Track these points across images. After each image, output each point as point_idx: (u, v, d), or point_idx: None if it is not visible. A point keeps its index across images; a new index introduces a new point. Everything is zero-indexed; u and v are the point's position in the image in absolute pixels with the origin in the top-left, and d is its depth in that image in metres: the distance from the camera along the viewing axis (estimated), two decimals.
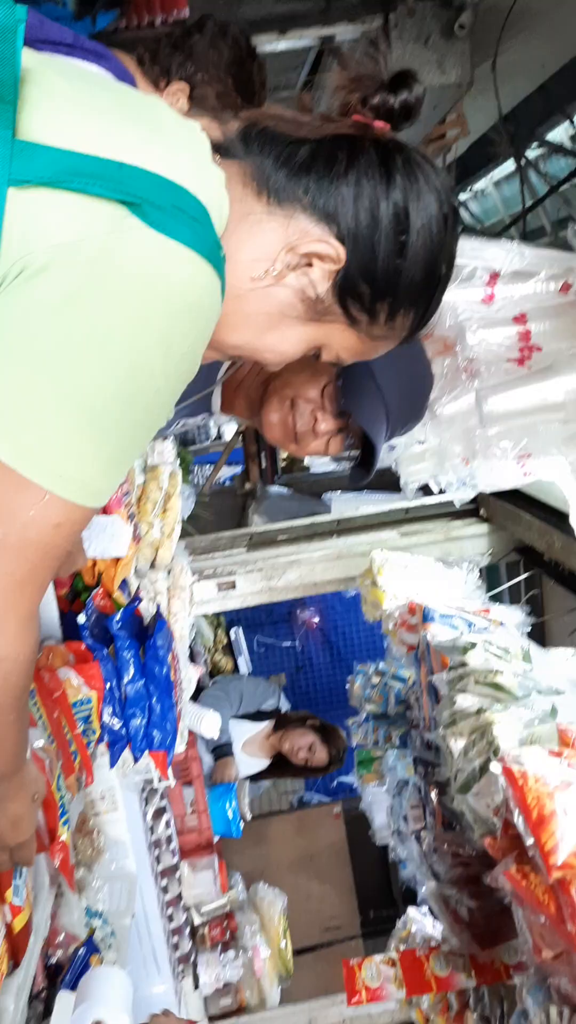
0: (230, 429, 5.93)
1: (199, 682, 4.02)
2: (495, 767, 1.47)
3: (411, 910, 2.99)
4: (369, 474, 1.41)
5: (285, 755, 3.77)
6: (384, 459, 2.65)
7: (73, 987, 1.52)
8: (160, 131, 0.80)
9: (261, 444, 4.34)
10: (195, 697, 3.75)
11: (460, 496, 2.24)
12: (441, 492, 2.33)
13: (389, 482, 3.60)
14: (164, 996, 2.95)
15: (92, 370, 0.74)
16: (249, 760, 3.86)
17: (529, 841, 1.34)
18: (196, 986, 3.42)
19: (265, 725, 3.89)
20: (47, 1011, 1.44)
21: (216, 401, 1.43)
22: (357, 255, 0.86)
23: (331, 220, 0.85)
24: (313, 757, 3.67)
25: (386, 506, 3.22)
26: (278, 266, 0.87)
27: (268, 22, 2.44)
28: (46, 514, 0.76)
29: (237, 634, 6.03)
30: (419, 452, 2.22)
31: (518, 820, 1.35)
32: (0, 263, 0.71)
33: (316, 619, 6.15)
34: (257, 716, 3.97)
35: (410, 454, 2.25)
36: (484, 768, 1.64)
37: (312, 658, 6.28)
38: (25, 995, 1.35)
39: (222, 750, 3.79)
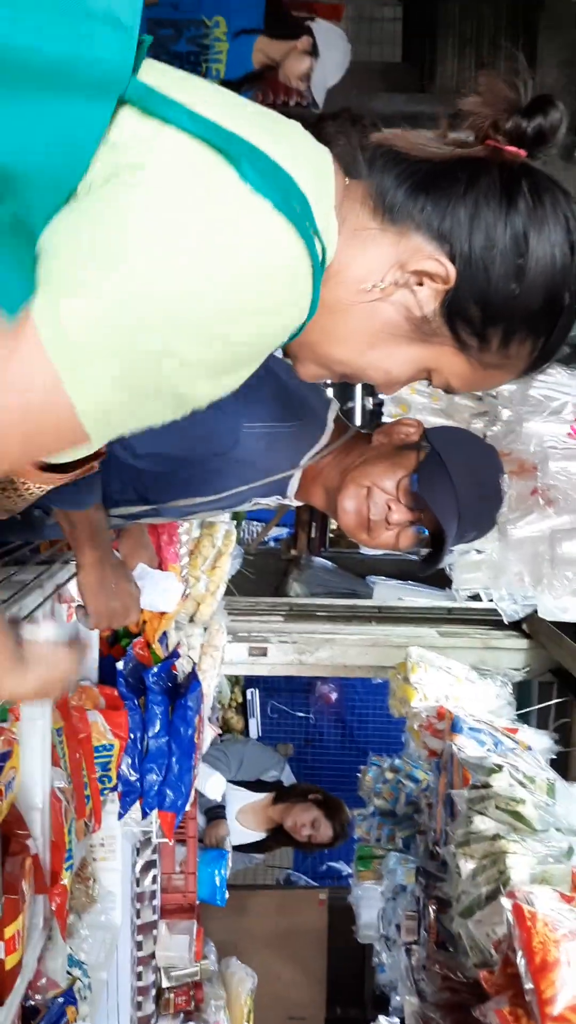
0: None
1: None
2: (505, 901, 1.45)
3: (382, 1019, 2.90)
4: (435, 566, 1.43)
5: (287, 831, 3.69)
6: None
7: None
8: (288, 139, 0.82)
9: (314, 513, 4.39)
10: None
11: (508, 612, 2.24)
12: (490, 601, 2.34)
13: (436, 577, 3.62)
14: None
15: (167, 282, 0.71)
16: (242, 830, 3.80)
17: (528, 985, 1.32)
18: None
19: (264, 797, 3.82)
20: None
21: (293, 486, 1.47)
22: (469, 277, 0.85)
23: (444, 240, 0.84)
24: (317, 834, 3.55)
25: (429, 602, 3.22)
26: (386, 281, 0.86)
27: (396, 120, 2.56)
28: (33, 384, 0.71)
29: (253, 696, 6.00)
30: (476, 561, 2.24)
31: (520, 961, 1.33)
32: (101, 164, 0.72)
33: (334, 696, 6.09)
34: (257, 786, 3.91)
35: (467, 561, 2.27)
36: (491, 896, 1.62)
37: (324, 734, 6.21)
38: None
39: (215, 812, 3.74)
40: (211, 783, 3.45)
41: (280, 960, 4.47)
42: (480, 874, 1.66)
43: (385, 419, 2.48)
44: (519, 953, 1.36)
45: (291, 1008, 4.49)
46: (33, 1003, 1.64)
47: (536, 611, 2.18)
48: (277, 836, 3.77)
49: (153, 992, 3.27)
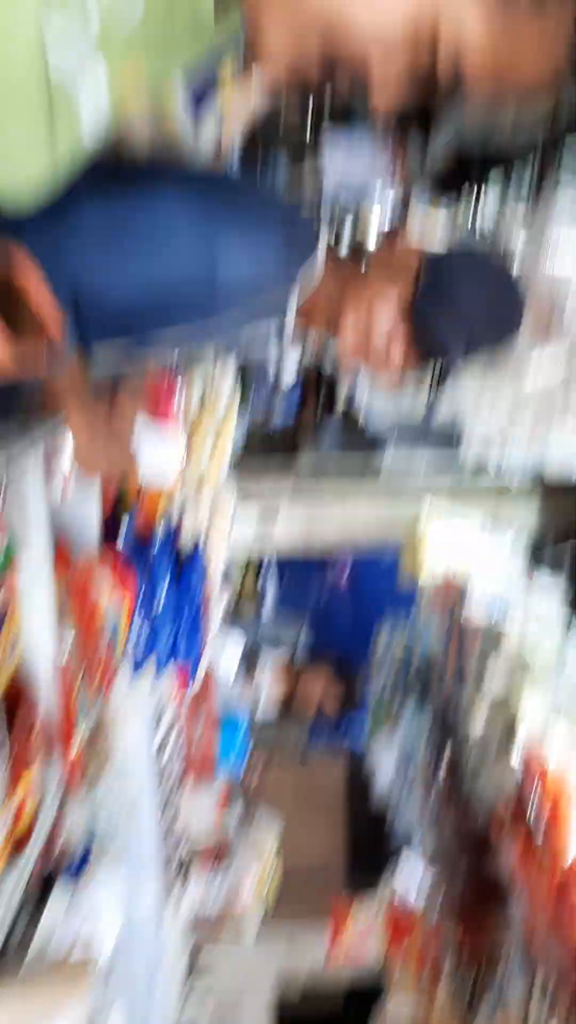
0: (290, 370, 5.84)
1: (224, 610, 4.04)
2: (516, 751, 1.45)
3: (400, 863, 3.02)
4: (440, 390, 1.34)
5: (300, 697, 3.75)
6: (448, 415, 2.59)
7: (67, 888, 1.55)
8: None
9: (320, 384, 4.27)
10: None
11: (520, 468, 2.18)
12: (500, 461, 2.27)
13: (445, 437, 3.54)
14: (152, 908, 3.03)
15: None
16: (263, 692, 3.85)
17: (539, 828, 1.32)
18: (182, 903, 3.50)
19: (280, 659, 3.84)
20: (41, 903, 1.47)
21: (291, 317, 1.37)
22: None
23: None
24: (330, 699, 3.61)
25: (440, 467, 3.15)
26: None
27: None
28: None
29: (265, 575, 6.03)
30: (487, 415, 2.16)
31: (531, 807, 1.33)
32: None
33: (346, 570, 6.12)
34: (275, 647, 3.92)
35: (478, 415, 2.19)
36: (503, 747, 1.62)
37: (337, 615, 6.28)
38: (21, 886, 1.37)
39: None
40: (227, 651, 3.49)
41: (302, 816, 4.65)
42: (491, 728, 1.66)
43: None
44: (531, 798, 1.36)
45: (314, 858, 4.71)
46: (54, 858, 1.67)
47: (547, 468, 2.12)
48: (291, 703, 3.83)
49: (181, 848, 3.41)
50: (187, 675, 2.02)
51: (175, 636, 1.97)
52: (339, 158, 2.94)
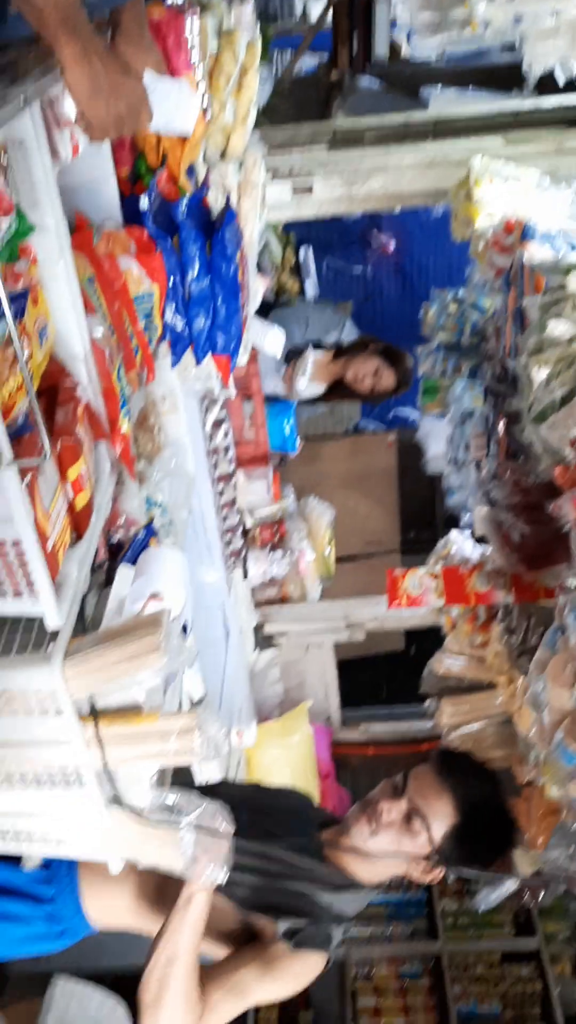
0: (317, 7, 5.08)
1: (264, 300, 3.85)
2: None
3: (453, 532, 3.11)
4: None
5: (348, 383, 3.66)
6: (508, 34, 2.20)
7: (133, 563, 1.59)
8: None
9: (355, 22, 3.69)
10: (261, 315, 3.61)
11: None
12: (569, 84, 1.95)
13: (501, 78, 3.08)
14: (216, 583, 3.23)
15: None
16: (307, 384, 3.80)
17: None
18: (245, 577, 3.74)
19: (325, 352, 3.74)
20: (108, 581, 1.53)
21: None
22: None
23: None
24: (379, 382, 3.53)
25: (494, 106, 2.76)
26: None
27: None
28: None
29: (306, 254, 5.72)
30: (552, 27, 1.81)
31: None
32: None
33: (392, 244, 5.76)
34: (318, 347, 3.83)
35: (540, 29, 1.85)
36: (566, 399, 1.54)
37: (383, 287, 6.00)
38: (88, 564, 1.41)
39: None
40: (270, 338, 3.38)
41: (354, 496, 4.82)
42: (555, 379, 1.57)
43: None
44: None
45: (368, 535, 4.95)
46: (117, 539, 1.72)
47: None
48: (339, 390, 3.76)
49: (240, 530, 3.57)
50: (228, 363, 1.93)
51: (211, 325, 1.85)
52: None
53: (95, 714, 1.31)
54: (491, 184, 2.29)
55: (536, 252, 1.79)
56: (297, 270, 5.69)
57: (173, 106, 1.66)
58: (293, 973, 1.52)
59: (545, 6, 1.74)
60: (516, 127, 2.67)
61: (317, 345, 3.78)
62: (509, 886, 2.30)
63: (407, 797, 1.61)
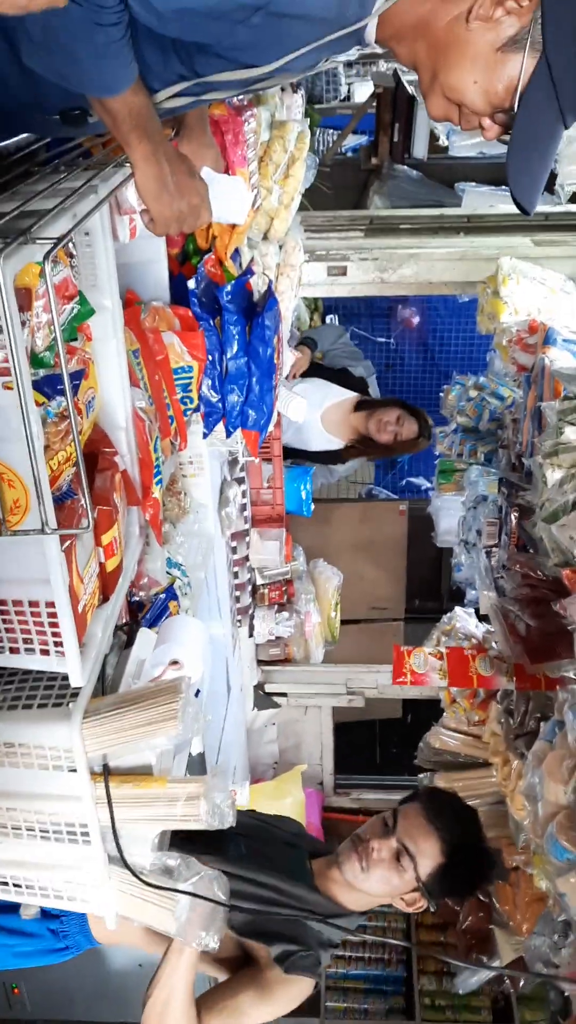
0: (363, 91, 5.31)
1: None
2: None
3: (458, 609, 3.17)
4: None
5: (371, 434, 3.65)
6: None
7: (152, 625, 1.66)
8: None
9: (396, 114, 3.88)
10: None
11: None
12: None
13: None
14: (222, 638, 3.29)
15: None
16: (325, 434, 3.83)
17: None
18: (251, 634, 3.79)
19: (349, 398, 3.74)
20: (129, 642, 1.59)
21: (371, 32, 1.21)
22: None
23: None
24: (402, 430, 3.54)
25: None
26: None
27: None
28: None
29: (333, 321, 5.88)
30: None
31: None
32: None
33: (416, 319, 5.92)
34: (343, 378, 3.81)
35: (573, 151, 1.97)
36: None
37: (405, 358, 6.15)
38: (111, 625, 1.47)
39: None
40: (293, 406, 3.47)
41: (363, 562, 4.88)
42: (567, 482, 1.64)
43: None
44: None
45: (374, 600, 5.00)
46: (138, 599, 1.79)
47: None
48: (359, 444, 3.77)
49: (250, 588, 3.64)
50: (256, 438, 2.02)
51: (244, 401, 1.95)
52: None
53: (107, 773, 1.36)
54: (518, 284, 2.41)
55: (557, 357, 1.89)
56: (324, 320, 5.84)
57: (228, 200, 1.77)
58: (287, 997, 1.59)
59: None
60: (545, 229, 2.80)
61: (344, 381, 3.77)
62: (490, 971, 2.30)
63: (396, 836, 1.66)
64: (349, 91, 5.68)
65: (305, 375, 3.73)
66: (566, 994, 2.25)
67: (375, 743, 5.11)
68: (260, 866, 1.67)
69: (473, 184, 3.41)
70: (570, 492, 1.65)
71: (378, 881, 1.65)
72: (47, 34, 1.06)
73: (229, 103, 2.00)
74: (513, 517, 2.02)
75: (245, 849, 1.63)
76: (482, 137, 1.28)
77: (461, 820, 1.73)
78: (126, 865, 1.42)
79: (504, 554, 2.05)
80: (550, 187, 2.34)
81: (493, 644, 2.42)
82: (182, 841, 1.53)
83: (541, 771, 1.54)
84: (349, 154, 4.88)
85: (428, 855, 1.65)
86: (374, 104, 4.23)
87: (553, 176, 2.06)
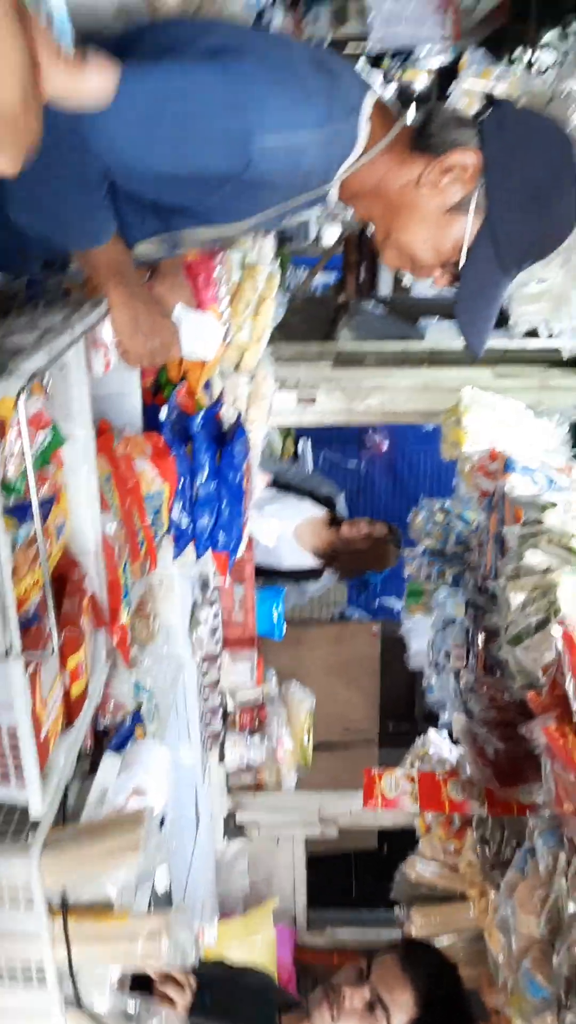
0: (332, 233, 5.64)
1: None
2: (555, 629, 1.47)
3: (431, 732, 3.14)
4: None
5: (344, 540, 3.68)
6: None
7: (118, 751, 1.63)
8: None
9: (362, 255, 4.12)
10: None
11: (570, 345, 2.11)
12: (550, 337, 2.20)
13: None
14: (192, 765, 3.21)
15: None
16: (298, 550, 3.86)
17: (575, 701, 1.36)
18: (221, 760, 3.71)
19: (322, 512, 3.80)
20: (93, 770, 1.56)
21: (333, 196, 1.33)
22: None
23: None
24: (375, 530, 3.58)
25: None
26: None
27: None
28: None
29: (304, 447, 6.03)
30: (536, 292, 2.07)
31: (568, 684, 1.36)
32: None
33: (385, 445, 6.09)
34: (314, 498, 3.86)
35: (526, 293, 2.10)
36: (540, 625, 1.64)
37: (375, 483, 6.30)
38: (75, 753, 1.45)
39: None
40: (266, 529, 3.53)
41: (336, 684, 4.84)
42: (530, 605, 1.68)
43: (457, 101, 2.22)
44: (568, 676, 1.39)
45: (347, 723, 4.93)
46: (104, 725, 1.77)
47: None
48: (332, 558, 3.80)
49: (220, 712, 3.58)
50: (226, 560, 2.06)
51: (214, 525, 2.00)
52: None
53: (65, 909, 1.32)
54: (478, 414, 2.52)
55: (517, 484, 1.96)
56: (295, 460, 5.99)
57: (199, 337, 1.87)
58: None
59: (530, 275, 2.00)
60: (504, 362, 2.96)
61: (314, 499, 3.82)
62: None
63: (370, 985, 1.59)
64: (319, 233, 6.03)
65: (274, 489, 3.79)
66: None
67: (350, 876, 4.92)
68: (226, 1019, 1.59)
69: (435, 319, 3.61)
70: (533, 615, 1.68)
71: None
72: (33, 195, 1.15)
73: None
74: (480, 639, 2.04)
75: (210, 1001, 1.54)
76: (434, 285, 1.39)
77: (438, 973, 1.66)
78: (84, 1009, 1.35)
79: (472, 676, 2.06)
80: (499, 325, 2.48)
81: (466, 768, 2.39)
82: (145, 989, 1.46)
83: (513, 902, 1.50)
84: (319, 291, 5.14)
85: (403, 1007, 1.58)
86: (342, 246, 4.50)
87: (506, 315, 2.20)
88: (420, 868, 2.88)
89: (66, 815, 1.46)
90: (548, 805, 1.48)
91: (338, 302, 4.18)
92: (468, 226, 1.21)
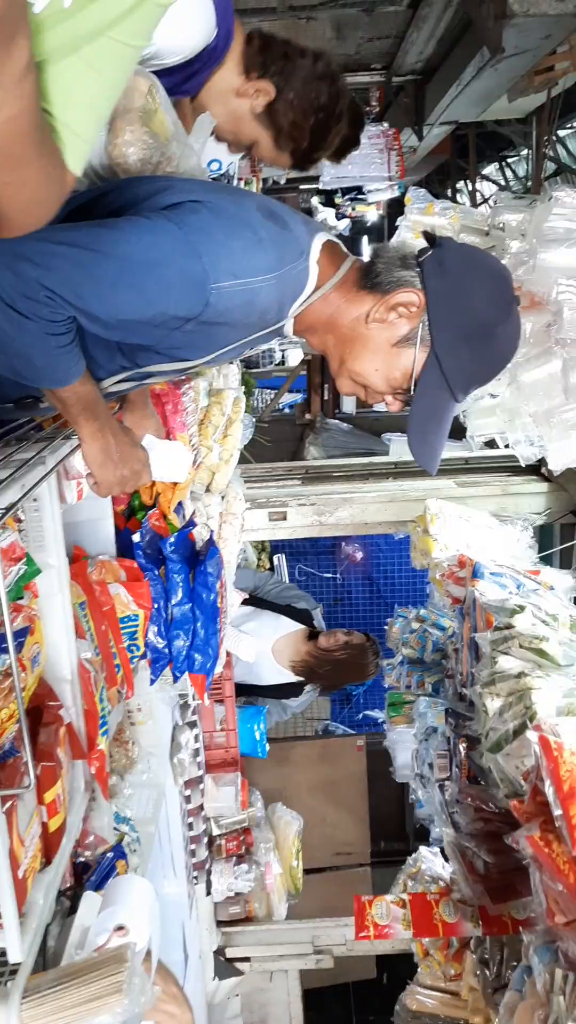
0: (295, 356, 5.86)
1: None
2: (531, 734, 1.47)
3: (423, 849, 3.06)
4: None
5: (323, 656, 3.67)
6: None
7: (98, 888, 1.59)
8: None
9: (325, 376, 4.29)
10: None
11: (525, 455, 2.19)
12: (506, 447, 2.29)
13: (452, 429, 3.54)
14: (177, 898, 3.09)
15: None
16: (277, 667, 3.83)
17: (557, 812, 1.35)
18: (208, 892, 3.57)
19: (300, 628, 3.80)
20: (73, 908, 1.51)
21: (288, 329, 1.42)
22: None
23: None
24: (352, 639, 3.58)
25: (446, 454, 3.17)
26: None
27: None
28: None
29: (280, 561, 6.08)
30: (490, 407, 2.17)
31: (548, 790, 1.36)
32: None
33: (360, 555, 6.16)
34: (290, 612, 3.87)
35: (480, 407, 2.21)
36: (518, 731, 1.65)
37: (352, 592, 6.33)
38: (54, 892, 1.41)
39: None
40: (244, 645, 3.52)
41: (324, 803, 4.71)
42: (507, 711, 1.69)
43: (403, 233, 2.38)
44: (547, 782, 1.39)
45: (338, 846, 4.77)
46: (84, 859, 1.72)
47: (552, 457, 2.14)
48: (312, 672, 3.77)
49: (205, 840, 3.47)
50: (203, 682, 2.06)
51: (190, 646, 2.01)
52: None
53: None
54: (445, 523, 2.58)
55: (486, 590, 2.00)
56: (271, 573, 6.03)
57: (169, 463, 1.93)
58: None
59: (482, 390, 2.10)
60: (466, 472, 3.06)
61: (291, 614, 3.83)
62: None
63: None
64: (283, 356, 6.27)
65: (251, 607, 3.81)
66: None
67: (350, 1010, 4.66)
68: None
69: (399, 434, 3.73)
70: (510, 720, 1.69)
71: None
72: (3, 340, 1.22)
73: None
74: (462, 748, 2.03)
75: None
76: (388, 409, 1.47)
77: None
78: None
79: (456, 787, 2.04)
80: (459, 436, 2.59)
81: (460, 886, 2.33)
82: None
83: None
84: (286, 411, 5.31)
85: None
86: (305, 368, 4.68)
87: (463, 427, 2.29)
88: (421, 997, 2.75)
89: (46, 957, 1.41)
90: (540, 919, 1.45)
91: (304, 420, 4.32)
92: (415, 357, 1.29)
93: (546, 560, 2.93)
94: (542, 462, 3.01)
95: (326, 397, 4.30)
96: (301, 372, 4.92)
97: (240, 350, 1.40)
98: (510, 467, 3.03)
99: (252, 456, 3.59)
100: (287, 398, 5.42)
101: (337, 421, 4.16)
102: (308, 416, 4.32)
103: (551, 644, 1.77)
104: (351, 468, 3.24)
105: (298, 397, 5.23)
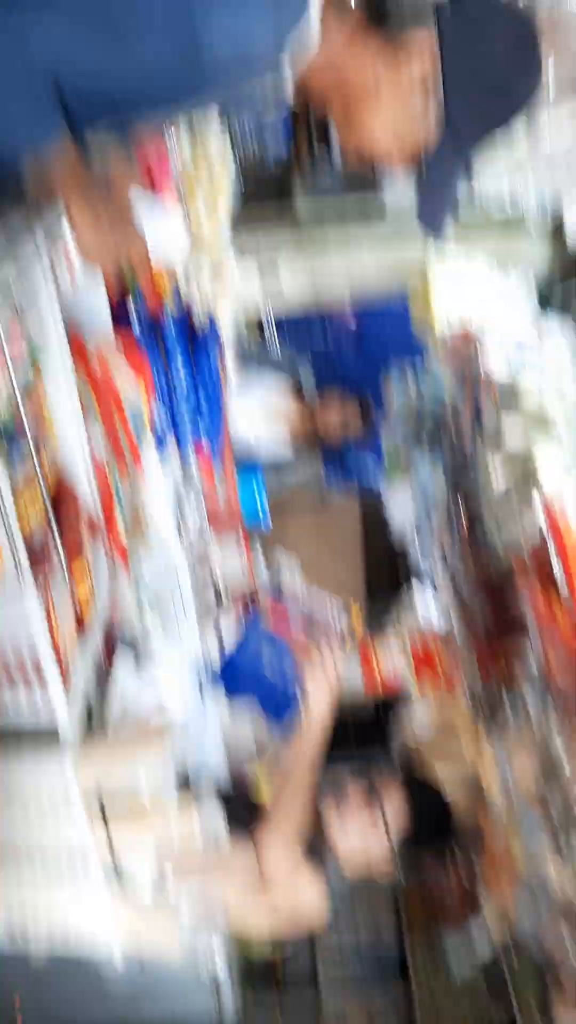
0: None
1: None
2: (536, 496, 1.52)
3: (418, 597, 3.25)
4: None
5: (313, 426, 3.72)
6: None
7: (131, 647, 1.71)
8: None
9: (311, 118, 3.92)
10: None
11: (534, 207, 2.07)
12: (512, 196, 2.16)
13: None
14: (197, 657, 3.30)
15: None
16: (273, 442, 3.88)
17: (560, 579, 1.43)
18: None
19: (294, 391, 3.81)
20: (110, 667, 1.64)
21: (288, 79, 1.28)
22: None
23: None
24: (343, 425, 3.63)
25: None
26: None
27: None
28: None
29: (270, 327, 5.90)
30: (501, 159, 2.03)
31: (553, 557, 1.43)
32: None
33: (354, 315, 5.98)
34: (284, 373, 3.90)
35: (491, 158, 2.05)
36: (523, 500, 1.68)
37: (345, 353, 6.21)
38: (93, 651, 1.52)
39: None
40: (243, 410, 3.50)
41: (319, 551, 4.92)
42: (512, 475, 1.72)
43: None
44: (552, 541, 1.46)
45: (333, 590, 5.06)
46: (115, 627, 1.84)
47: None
48: (305, 439, 3.84)
49: (218, 596, 3.66)
50: (208, 448, 2.09)
51: (193, 414, 2.01)
52: None
53: (102, 808, 1.41)
54: (445, 273, 2.50)
55: (491, 362, 1.96)
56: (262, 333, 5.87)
57: (162, 236, 1.83)
58: None
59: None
60: (469, 226, 2.89)
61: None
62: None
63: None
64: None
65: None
66: None
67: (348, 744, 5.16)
68: None
69: (399, 186, 3.47)
70: (513, 484, 1.73)
71: None
72: None
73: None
74: (461, 502, 2.10)
75: None
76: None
77: (433, 796, 1.80)
78: (123, 883, 1.47)
79: (456, 544, 2.14)
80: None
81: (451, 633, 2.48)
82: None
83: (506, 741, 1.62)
84: (271, 157, 4.91)
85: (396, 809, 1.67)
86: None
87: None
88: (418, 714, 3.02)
89: (92, 715, 1.55)
90: (534, 664, 1.59)
91: (290, 171, 4.01)
92: (426, 108, 1.17)
93: (546, 316, 2.86)
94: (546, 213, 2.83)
95: (312, 137, 3.95)
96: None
97: (235, 99, 1.28)
98: (515, 220, 2.86)
99: (239, 221, 3.38)
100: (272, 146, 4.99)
101: (327, 165, 3.85)
102: (296, 158, 3.98)
103: (556, 409, 1.77)
104: (346, 222, 3.08)
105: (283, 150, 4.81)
